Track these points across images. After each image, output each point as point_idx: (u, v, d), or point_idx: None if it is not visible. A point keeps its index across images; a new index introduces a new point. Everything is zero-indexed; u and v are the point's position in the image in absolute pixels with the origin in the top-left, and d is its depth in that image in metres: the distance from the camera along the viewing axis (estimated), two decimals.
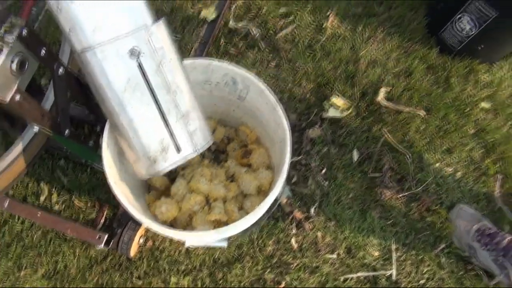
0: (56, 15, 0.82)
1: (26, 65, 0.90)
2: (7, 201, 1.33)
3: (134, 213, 0.96)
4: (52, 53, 0.95)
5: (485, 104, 1.59)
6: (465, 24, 1.47)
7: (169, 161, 0.99)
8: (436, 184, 1.46)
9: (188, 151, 1.01)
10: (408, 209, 1.43)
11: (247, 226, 1.03)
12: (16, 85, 0.89)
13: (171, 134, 0.97)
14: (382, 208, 1.43)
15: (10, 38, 0.83)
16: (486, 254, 1.28)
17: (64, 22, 0.82)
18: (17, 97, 0.89)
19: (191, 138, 1.01)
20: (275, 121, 1.10)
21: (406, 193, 1.44)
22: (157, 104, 0.92)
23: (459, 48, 1.57)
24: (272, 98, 1.08)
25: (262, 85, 1.09)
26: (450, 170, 1.49)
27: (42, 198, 1.46)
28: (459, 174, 1.49)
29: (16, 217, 1.44)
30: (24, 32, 0.84)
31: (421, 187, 1.44)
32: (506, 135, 1.54)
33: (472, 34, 1.48)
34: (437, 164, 1.49)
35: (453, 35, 1.55)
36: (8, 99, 0.87)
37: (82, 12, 0.81)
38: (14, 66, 0.86)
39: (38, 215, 1.32)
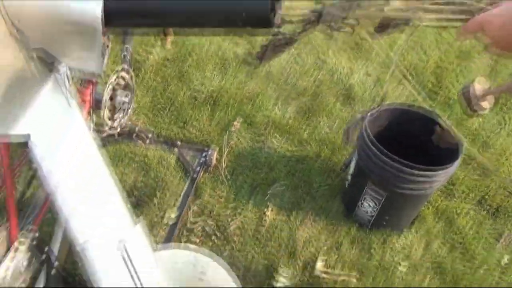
0: None
1: None
2: None
3: None
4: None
5: (403, 266, 1.94)
6: (368, 205, 1.94)
7: None
8: None
9: None
10: None
11: None
12: None
13: None
14: None
15: None
16: None
17: None
18: None
19: None
20: None
21: None
22: None
23: (371, 223, 2.01)
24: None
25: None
26: None
27: None
28: None
29: None
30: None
31: None
32: None
33: (376, 212, 1.94)
34: None
35: (363, 213, 2.00)
36: None
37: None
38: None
39: None
